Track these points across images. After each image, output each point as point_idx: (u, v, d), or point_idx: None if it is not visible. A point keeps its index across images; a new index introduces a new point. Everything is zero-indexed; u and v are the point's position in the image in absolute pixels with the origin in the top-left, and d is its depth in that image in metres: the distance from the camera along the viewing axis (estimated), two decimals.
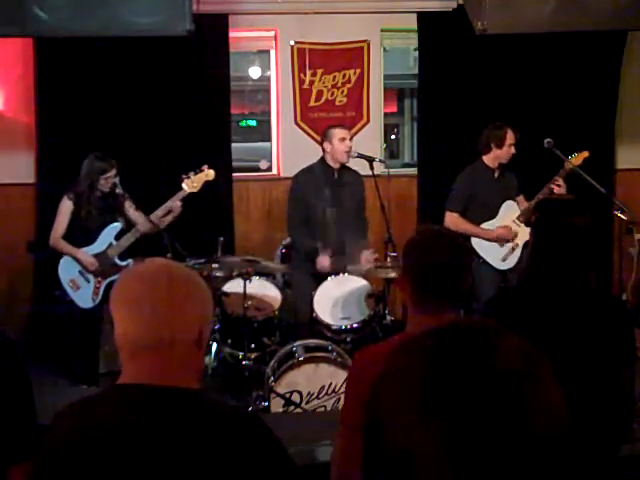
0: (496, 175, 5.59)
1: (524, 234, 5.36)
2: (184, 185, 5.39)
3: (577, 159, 5.52)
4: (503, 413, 0.83)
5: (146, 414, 1.54)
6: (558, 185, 5.40)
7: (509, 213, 5.55)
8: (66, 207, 5.39)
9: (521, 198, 5.63)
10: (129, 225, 5.48)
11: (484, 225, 5.55)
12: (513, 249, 5.52)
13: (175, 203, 5.38)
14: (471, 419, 0.83)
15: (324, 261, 5.20)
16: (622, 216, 5.60)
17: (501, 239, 5.50)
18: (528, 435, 0.83)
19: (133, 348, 1.60)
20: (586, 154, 5.54)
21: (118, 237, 5.45)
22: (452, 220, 5.48)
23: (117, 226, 5.45)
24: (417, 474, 0.84)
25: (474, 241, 5.49)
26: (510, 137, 5.48)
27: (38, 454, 1.63)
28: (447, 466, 0.82)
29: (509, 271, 5.51)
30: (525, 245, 5.36)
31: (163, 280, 1.61)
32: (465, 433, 0.82)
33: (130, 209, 5.45)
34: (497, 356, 0.87)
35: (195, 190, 5.42)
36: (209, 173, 5.47)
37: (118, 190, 5.32)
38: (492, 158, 5.55)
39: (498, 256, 5.51)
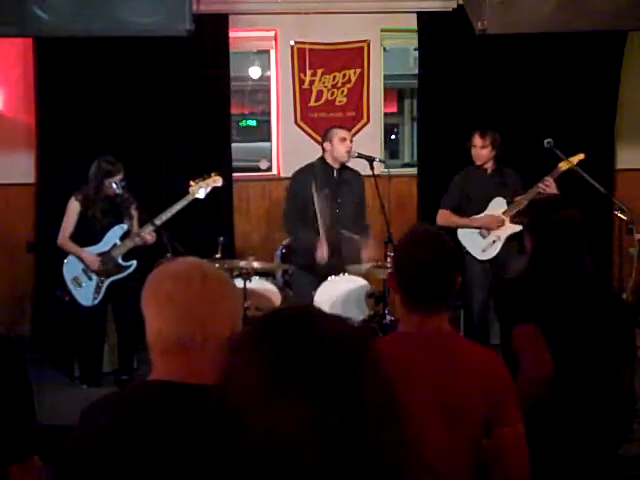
0: (489, 172, 5.76)
1: (507, 229, 5.56)
2: (191, 190, 5.41)
3: (571, 161, 5.54)
4: (335, 391, 0.90)
5: (176, 411, 1.54)
6: (547, 185, 5.47)
7: (496, 208, 5.68)
8: (73, 207, 5.43)
9: (520, 197, 5.64)
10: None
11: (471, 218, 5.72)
12: (494, 242, 5.64)
13: (147, 232, 5.36)
14: (312, 397, 0.89)
15: (322, 251, 5.19)
16: (622, 216, 5.60)
17: (486, 227, 5.63)
18: (361, 412, 0.90)
19: (165, 346, 1.60)
20: (582, 156, 5.58)
21: (123, 238, 5.47)
22: (442, 216, 5.77)
23: (123, 227, 5.48)
24: (283, 456, 0.90)
25: (459, 232, 5.69)
26: (474, 139, 5.67)
27: (64, 451, 1.61)
28: (311, 443, 0.88)
29: (500, 268, 5.56)
30: (507, 239, 5.55)
31: (197, 279, 1.62)
32: (313, 410, 0.89)
33: (136, 212, 5.47)
34: (320, 339, 0.93)
35: (201, 196, 5.44)
36: (217, 179, 5.50)
37: (119, 191, 5.33)
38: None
39: (479, 247, 5.68)
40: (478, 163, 5.70)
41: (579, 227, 2.80)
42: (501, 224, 5.60)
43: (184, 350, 1.59)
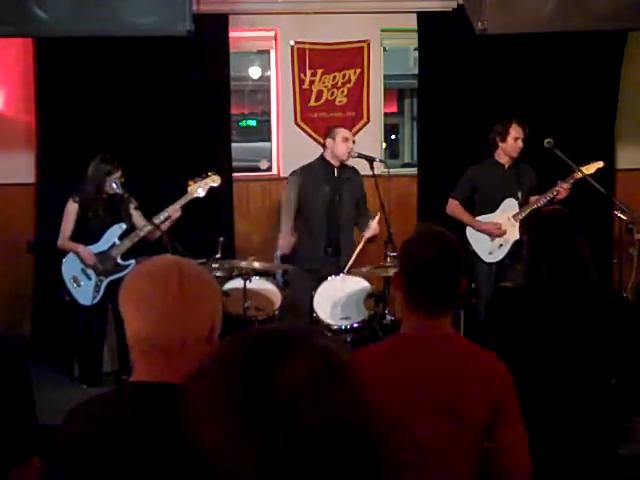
0: (506, 168, 5.66)
1: (515, 233, 5.47)
2: (189, 189, 5.41)
3: (589, 168, 5.47)
4: (287, 422, 0.91)
5: (158, 413, 1.54)
6: (558, 192, 5.41)
7: (507, 210, 5.62)
8: (72, 209, 5.43)
9: (535, 198, 5.61)
10: (133, 226, 5.52)
11: (481, 217, 5.70)
12: (501, 245, 5.62)
13: (175, 208, 5.40)
14: (262, 427, 0.92)
15: (283, 242, 5.32)
16: (622, 216, 5.60)
17: (487, 233, 5.62)
18: (318, 441, 0.92)
19: (145, 347, 1.59)
20: (600, 164, 5.50)
21: (122, 237, 5.48)
22: (451, 206, 5.78)
23: (121, 227, 5.48)
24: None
25: (468, 231, 5.67)
26: (515, 130, 5.55)
27: (49, 453, 1.62)
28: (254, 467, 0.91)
29: (503, 270, 5.56)
30: (515, 243, 5.46)
31: (174, 278, 1.60)
32: (263, 441, 0.91)
33: (134, 212, 5.47)
34: (283, 371, 0.95)
35: (200, 195, 5.44)
36: (215, 178, 5.50)
37: (119, 191, 5.33)
38: (501, 153, 5.66)
39: (486, 249, 5.66)
40: (514, 156, 5.58)
41: (568, 220, 2.81)
42: (501, 234, 5.59)
43: (164, 351, 1.58)
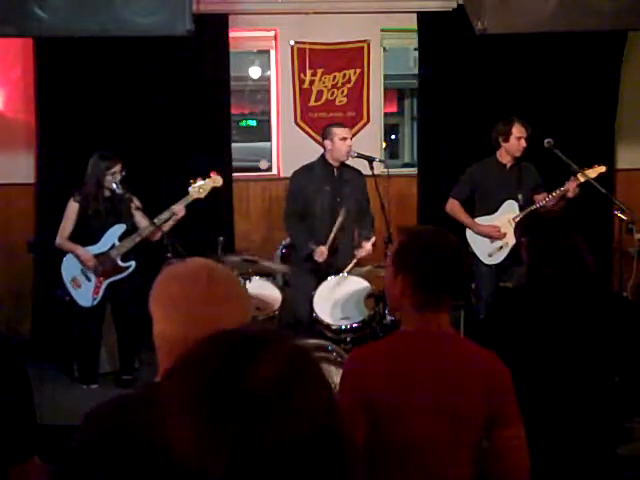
0: (507, 168, 5.63)
1: None
2: (190, 190, 5.41)
3: (592, 172, 5.46)
4: (258, 424, 0.91)
5: None
6: (567, 190, 5.40)
7: (507, 212, 5.59)
8: (72, 209, 5.43)
9: (542, 196, 5.60)
10: (134, 227, 5.51)
11: (481, 219, 5.68)
12: (501, 247, 5.61)
13: (179, 207, 5.40)
14: (232, 429, 0.92)
15: (323, 251, 5.19)
16: (622, 216, 5.59)
17: (486, 236, 5.61)
18: (285, 443, 0.91)
19: (171, 348, 1.59)
20: (602, 169, 5.50)
21: (122, 238, 5.47)
22: (451, 206, 5.75)
23: (121, 227, 5.47)
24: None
25: (468, 232, 5.65)
26: (517, 130, 5.52)
27: (67, 453, 1.61)
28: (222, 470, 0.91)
29: (503, 272, 5.56)
30: (515, 245, 5.44)
31: (203, 281, 1.61)
32: (231, 440, 0.91)
33: (136, 212, 5.47)
34: (252, 371, 0.95)
35: (201, 196, 5.44)
36: (217, 179, 5.48)
37: (119, 191, 5.32)
38: (503, 153, 5.63)
39: (486, 250, 5.65)
40: (518, 155, 5.54)
41: (566, 220, 2.82)
42: (500, 237, 5.57)
43: None
